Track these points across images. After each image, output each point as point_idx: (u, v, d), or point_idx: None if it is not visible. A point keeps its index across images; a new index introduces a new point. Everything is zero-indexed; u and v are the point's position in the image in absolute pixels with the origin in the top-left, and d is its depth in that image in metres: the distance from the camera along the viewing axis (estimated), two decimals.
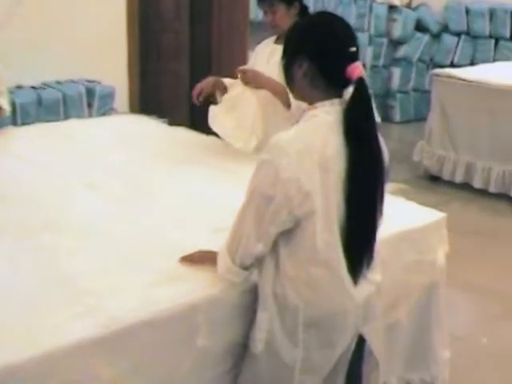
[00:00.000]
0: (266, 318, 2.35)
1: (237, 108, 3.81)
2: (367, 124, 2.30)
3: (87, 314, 2.21)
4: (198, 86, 3.95)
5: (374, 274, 2.46)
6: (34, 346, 2.04)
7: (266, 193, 2.23)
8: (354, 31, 2.43)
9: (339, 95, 2.34)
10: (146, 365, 2.26)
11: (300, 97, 2.45)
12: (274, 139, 2.28)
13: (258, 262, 2.36)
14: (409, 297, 3.07)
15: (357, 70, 2.27)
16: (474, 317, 4.63)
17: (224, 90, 3.99)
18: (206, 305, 2.36)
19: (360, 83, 2.26)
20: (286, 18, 3.78)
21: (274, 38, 3.97)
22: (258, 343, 2.37)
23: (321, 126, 2.29)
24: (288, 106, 3.51)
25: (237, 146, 3.76)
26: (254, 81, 3.72)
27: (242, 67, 3.80)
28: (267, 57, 3.89)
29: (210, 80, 4.00)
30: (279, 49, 3.73)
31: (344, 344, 2.41)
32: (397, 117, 9.37)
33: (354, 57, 2.31)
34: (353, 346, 2.46)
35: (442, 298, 3.22)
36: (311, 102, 2.36)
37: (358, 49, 2.33)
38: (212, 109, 3.88)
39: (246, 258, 2.33)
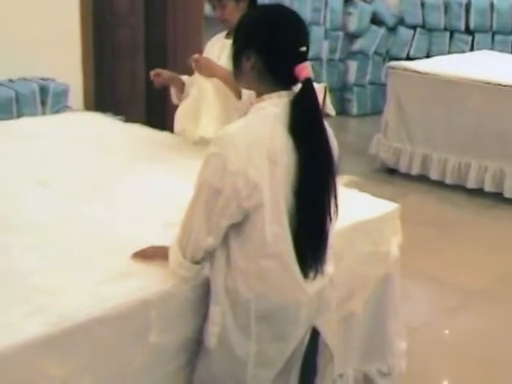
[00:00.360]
0: (218, 311, 2.34)
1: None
2: (312, 122, 2.29)
3: (38, 312, 2.18)
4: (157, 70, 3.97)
5: (327, 267, 2.46)
6: None
7: (215, 186, 2.22)
8: (307, 28, 2.41)
9: (287, 89, 2.33)
10: (98, 362, 2.24)
11: (247, 87, 2.47)
12: (221, 132, 2.28)
13: (209, 255, 2.36)
14: (364, 288, 3.08)
15: (305, 70, 2.27)
16: (430, 308, 4.67)
17: (182, 85, 3.99)
18: (158, 300, 2.34)
19: (307, 84, 2.26)
20: (235, 12, 3.74)
21: (224, 32, 3.95)
22: (211, 337, 2.37)
23: (268, 118, 2.28)
24: (239, 96, 3.51)
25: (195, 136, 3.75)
26: (207, 69, 3.69)
27: (195, 55, 3.76)
28: (218, 52, 3.87)
29: (167, 72, 4.02)
30: (229, 44, 3.74)
31: (297, 337, 2.41)
32: (354, 110, 9.43)
33: (303, 56, 2.30)
34: (307, 339, 2.45)
35: (398, 288, 3.24)
36: (259, 93, 2.36)
37: (308, 48, 2.33)
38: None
39: (196, 252, 2.32)
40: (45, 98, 5.70)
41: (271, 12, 2.43)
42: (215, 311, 2.36)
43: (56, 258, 2.56)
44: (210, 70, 3.69)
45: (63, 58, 6.09)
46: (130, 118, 5.18)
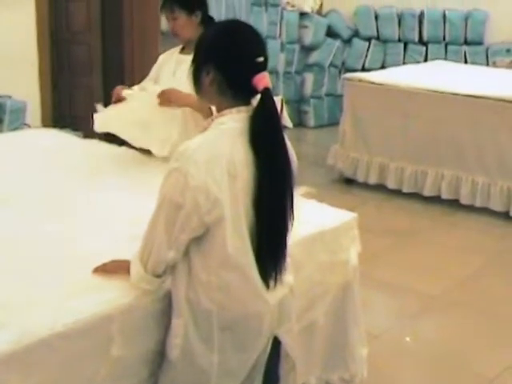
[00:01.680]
0: (180, 323, 2.36)
1: (137, 109, 3.77)
2: (272, 132, 2.32)
3: (0, 328, 2.17)
4: (115, 94, 3.91)
5: (286, 276, 2.48)
6: None
7: (176, 200, 2.24)
8: (264, 40, 2.46)
9: (247, 103, 2.36)
10: (62, 377, 2.24)
11: (208, 102, 2.51)
12: (182, 147, 2.29)
13: (171, 268, 2.37)
14: (324, 297, 3.10)
15: (263, 80, 2.30)
16: (391, 315, 4.67)
17: None
18: (119, 314, 2.34)
19: (266, 93, 2.30)
20: (187, 26, 3.78)
21: (178, 48, 3.97)
22: (174, 349, 2.38)
23: (228, 133, 2.31)
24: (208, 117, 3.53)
25: (153, 150, 3.74)
26: (176, 101, 3.66)
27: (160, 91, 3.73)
28: (173, 68, 3.88)
29: (119, 88, 3.98)
30: (185, 59, 3.74)
31: (259, 347, 2.43)
32: (311, 122, 9.46)
33: (261, 67, 2.33)
34: (268, 349, 2.47)
35: (357, 296, 3.26)
36: (219, 108, 2.39)
37: (266, 58, 2.36)
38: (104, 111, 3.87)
39: (157, 265, 2.34)
40: (2, 116, 5.67)
41: (227, 26, 2.50)
42: (177, 323, 2.37)
43: (16, 274, 2.54)
44: (178, 101, 3.66)
45: (20, 74, 6.06)
46: (88, 134, 5.18)
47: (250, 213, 2.31)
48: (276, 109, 2.33)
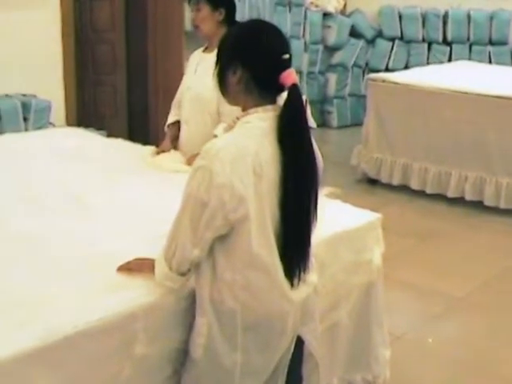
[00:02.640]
0: (204, 322, 2.36)
1: None
2: (300, 130, 2.32)
3: (23, 325, 2.18)
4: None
5: (311, 276, 2.48)
6: None
7: (201, 198, 2.24)
8: (287, 38, 2.46)
9: (273, 101, 2.36)
10: (86, 375, 2.24)
11: (234, 102, 2.47)
12: (208, 146, 2.29)
13: (195, 267, 2.37)
14: (348, 297, 3.10)
15: (290, 76, 2.30)
16: (413, 316, 4.66)
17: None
18: (143, 312, 2.35)
19: (293, 90, 2.29)
20: (208, 20, 3.82)
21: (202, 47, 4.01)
22: (197, 348, 2.38)
23: (254, 132, 2.31)
24: None
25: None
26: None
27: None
28: (195, 66, 3.92)
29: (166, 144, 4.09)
30: (207, 58, 3.77)
31: (283, 346, 2.42)
32: (334, 122, 9.45)
33: (287, 64, 2.33)
34: (292, 348, 2.47)
35: (381, 297, 3.26)
36: (245, 107, 2.39)
37: (290, 56, 2.36)
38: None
39: (182, 263, 2.34)
40: (27, 115, 5.71)
41: (250, 25, 2.53)
42: (201, 322, 2.37)
43: (41, 271, 2.56)
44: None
45: (45, 74, 6.10)
46: (112, 133, 5.20)
47: (275, 212, 2.30)
48: (303, 105, 2.34)
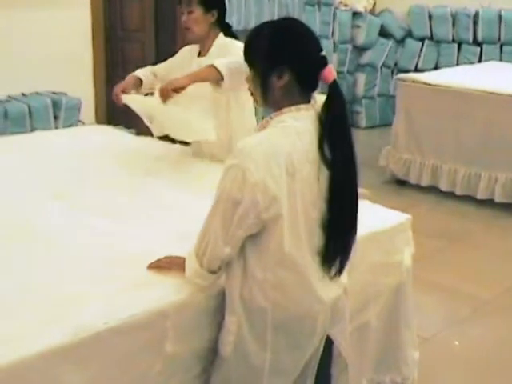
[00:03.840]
0: (233, 321, 2.37)
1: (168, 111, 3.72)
2: (345, 125, 2.34)
3: (55, 322, 2.20)
4: (120, 86, 3.93)
5: (342, 276, 2.49)
6: (3, 355, 2.03)
7: (234, 196, 2.24)
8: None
9: (307, 100, 2.36)
10: (116, 372, 2.26)
11: (270, 104, 2.41)
12: (241, 144, 2.30)
13: (225, 265, 2.38)
14: (378, 298, 3.10)
15: (331, 73, 2.31)
16: (441, 318, 4.66)
17: (140, 84, 4.01)
18: (173, 310, 2.36)
19: (334, 86, 2.31)
20: (200, 22, 3.78)
21: (196, 49, 3.94)
22: (227, 346, 2.39)
23: (288, 131, 2.30)
24: (217, 84, 3.58)
25: (207, 138, 3.71)
26: (180, 85, 3.58)
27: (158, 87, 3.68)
28: (189, 69, 3.81)
29: (129, 80, 3.99)
30: (203, 62, 3.68)
31: (312, 346, 2.43)
32: (363, 122, 9.45)
33: (325, 61, 2.34)
34: (321, 348, 2.48)
35: (410, 298, 3.25)
36: (279, 107, 2.37)
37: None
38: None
39: (213, 261, 2.34)
40: (57, 113, 5.78)
41: (285, 25, 2.43)
42: (231, 321, 2.38)
43: (71, 269, 2.58)
44: (179, 86, 3.59)
45: (75, 72, 6.18)
46: (141, 131, 5.22)
47: (309, 212, 2.31)
48: (345, 100, 2.36)
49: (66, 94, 5.95)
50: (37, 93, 5.95)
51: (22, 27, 5.88)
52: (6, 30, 5.81)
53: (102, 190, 3.43)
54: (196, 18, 3.78)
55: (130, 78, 3.99)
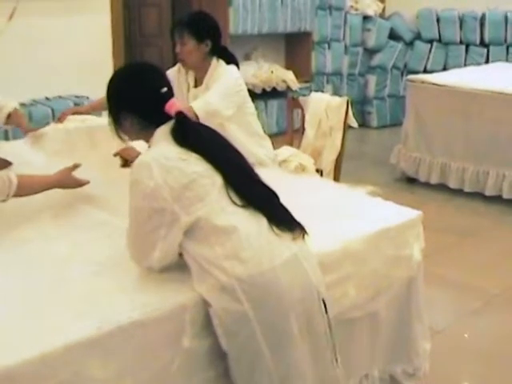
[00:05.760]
0: (213, 314, 2.43)
1: None
2: (199, 138, 2.51)
3: (80, 316, 2.26)
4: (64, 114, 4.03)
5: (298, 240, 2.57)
6: (30, 347, 2.08)
7: (147, 207, 2.43)
8: (162, 70, 2.70)
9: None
10: (139, 365, 2.31)
11: (136, 139, 2.70)
12: (136, 160, 2.49)
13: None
14: (388, 289, 3.14)
15: (173, 107, 2.53)
16: (452, 311, 4.66)
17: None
18: (193, 304, 2.41)
19: (179, 116, 2.52)
20: (194, 53, 3.79)
21: (188, 76, 3.97)
22: (222, 340, 2.45)
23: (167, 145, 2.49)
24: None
25: None
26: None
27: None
28: (187, 100, 3.85)
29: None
30: (200, 94, 3.73)
31: (293, 292, 2.44)
32: (374, 122, 9.55)
33: (168, 95, 2.56)
34: (317, 311, 2.54)
35: (421, 291, 3.30)
36: (147, 138, 2.59)
37: (169, 87, 2.60)
38: None
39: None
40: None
41: (120, 75, 2.68)
42: (212, 316, 2.44)
43: (95, 265, 2.63)
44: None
45: (97, 76, 6.22)
46: None
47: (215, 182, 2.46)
48: (193, 122, 2.66)
49: (87, 98, 6.01)
50: (60, 97, 6.05)
51: (46, 34, 5.98)
52: (30, 37, 5.91)
53: (124, 191, 3.39)
54: (189, 50, 3.79)
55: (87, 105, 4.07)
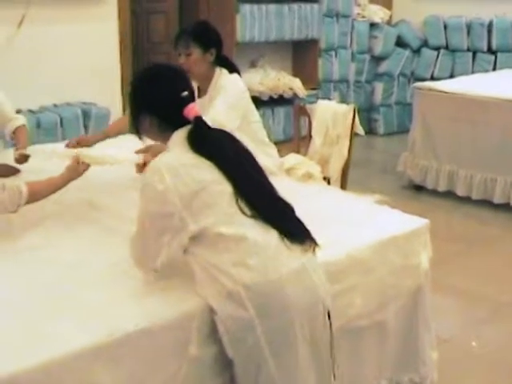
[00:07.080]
0: (218, 321, 2.42)
1: None
2: (215, 145, 2.52)
3: (89, 324, 2.27)
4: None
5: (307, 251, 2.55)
6: (36, 355, 2.09)
7: (155, 211, 2.45)
8: (185, 74, 2.71)
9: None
10: (146, 372, 2.31)
11: (154, 139, 2.74)
12: (149, 165, 2.51)
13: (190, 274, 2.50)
14: (396, 298, 3.15)
15: (192, 111, 2.53)
16: (460, 320, 4.64)
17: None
18: (200, 312, 2.42)
19: (198, 120, 2.53)
20: (200, 62, 3.75)
21: (194, 86, 3.92)
22: (228, 350, 2.45)
23: (180, 151, 2.51)
24: None
25: None
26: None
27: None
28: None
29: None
30: (205, 104, 3.67)
31: (298, 302, 2.43)
32: (381, 129, 9.54)
33: (188, 100, 2.56)
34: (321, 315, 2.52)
35: (428, 300, 3.29)
36: (164, 141, 2.61)
37: (191, 90, 2.61)
38: None
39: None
40: (87, 122, 5.88)
41: (142, 77, 2.71)
42: (217, 322, 2.44)
43: (102, 272, 2.65)
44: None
45: (104, 83, 6.27)
46: None
47: (224, 190, 2.46)
48: (210, 128, 2.59)
49: (95, 105, 6.06)
50: (68, 104, 6.08)
51: (54, 42, 6.01)
52: (38, 44, 5.93)
53: (132, 199, 3.39)
54: (195, 60, 3.74)
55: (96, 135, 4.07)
